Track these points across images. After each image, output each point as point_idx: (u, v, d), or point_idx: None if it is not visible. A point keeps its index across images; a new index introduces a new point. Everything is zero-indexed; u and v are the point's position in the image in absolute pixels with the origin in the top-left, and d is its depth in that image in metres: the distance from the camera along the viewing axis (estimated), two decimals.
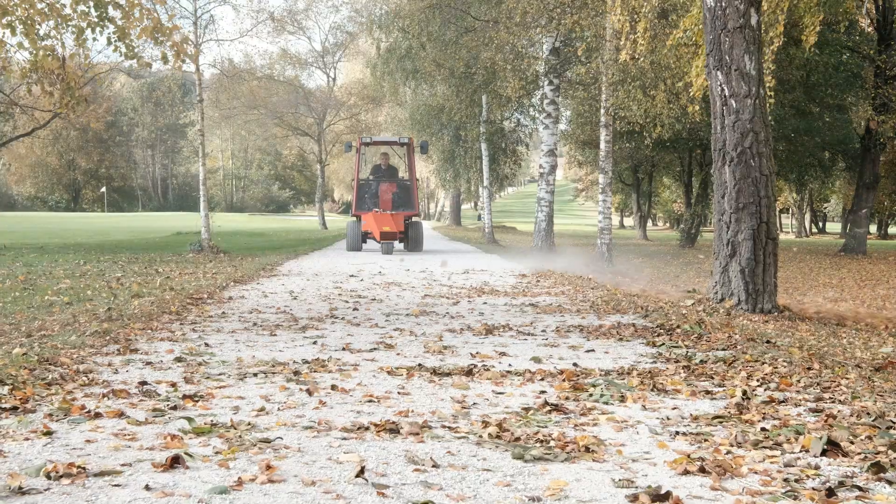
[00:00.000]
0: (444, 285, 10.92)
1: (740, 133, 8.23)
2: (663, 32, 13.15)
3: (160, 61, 9.42)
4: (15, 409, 3.81)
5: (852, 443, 3.36)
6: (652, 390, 4.49)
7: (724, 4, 8.25)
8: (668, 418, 3.88)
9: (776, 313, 8.18)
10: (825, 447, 3.26)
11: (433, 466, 3.06)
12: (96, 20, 9.17)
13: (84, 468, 2.92)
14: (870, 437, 3.43)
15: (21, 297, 8.70)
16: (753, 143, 8.21)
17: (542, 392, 4.43)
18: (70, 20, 9.28)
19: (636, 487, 2.85)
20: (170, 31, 9.31)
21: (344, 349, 5.80)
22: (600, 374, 4.93)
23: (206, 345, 5.89)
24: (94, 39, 10.69)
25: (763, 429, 3.62)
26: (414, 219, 19.24)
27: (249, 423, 3.63)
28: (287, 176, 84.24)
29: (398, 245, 19.29)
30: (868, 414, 3.85)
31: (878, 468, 3.02)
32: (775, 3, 10.22)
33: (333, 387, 4.47)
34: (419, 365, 5.17)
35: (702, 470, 3.01)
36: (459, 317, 7.74)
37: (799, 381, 4.72)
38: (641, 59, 13.57)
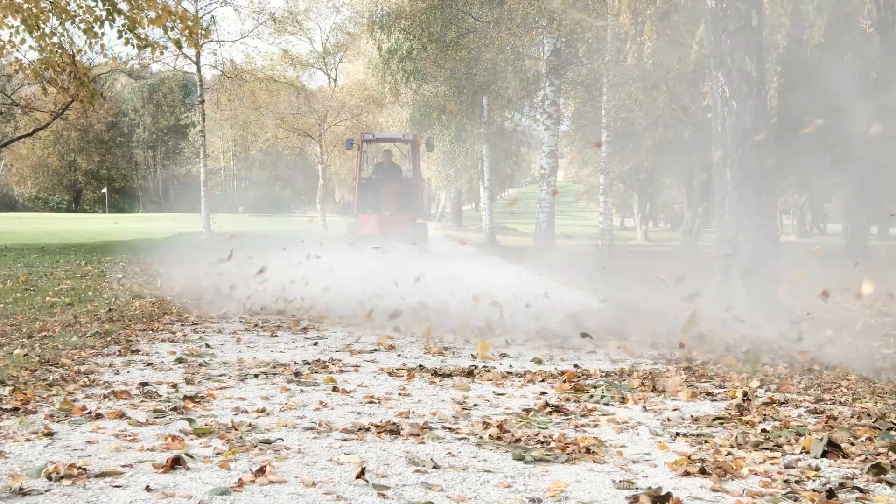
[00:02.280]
0: (445, 286, 10.89)
1: (741, 134, 8.22)
2: (665, 34, 13.16)
3: (173, 47, 9.50)
4: (16, 410, 3.81)
5: (853, 444, 3.36)
6: (652, 391, 4.49)
7: (724, 5, 8.25)
8: (669, 419, 3.88)
9: (778, 314, 8.17)
10: (826, 448, 3.26)
11: (434, 467, 3.06)
12: (105, 15, 9.20)
13: (85, 469, 2.92)
14: (870, 439, 3.43)
15: (22, 297, 8.71)
16: (754, 144, 8.21)
17: (543, 393, 4.43)
18: (75, 16, 9.32)
19: (637, 489, 2.86)
20: (180, 16, 9.34)
21: (345, 350, 5.80)
22: (601, 376, 4.93)
23: (207, 346, 5.90)
24: (103, 34, 10.67)
25: (763, 430, 3.62)
26: (418, 221, 18.84)
27: (250, 425, 3.63)
28: (288, 177, 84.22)
29: (401, 247, 19.09)
30: (869, 415, 3.85)
31: (878, 470, 3.02)
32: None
33: (335, 388, 4.48)
34: (420, 366, 5.17)
35: (702, 471, 3.01)
36: (460, 317, 7.73)
37: (799, 383, 4.72)
38: (649, 61, 13.57)
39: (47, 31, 9.50)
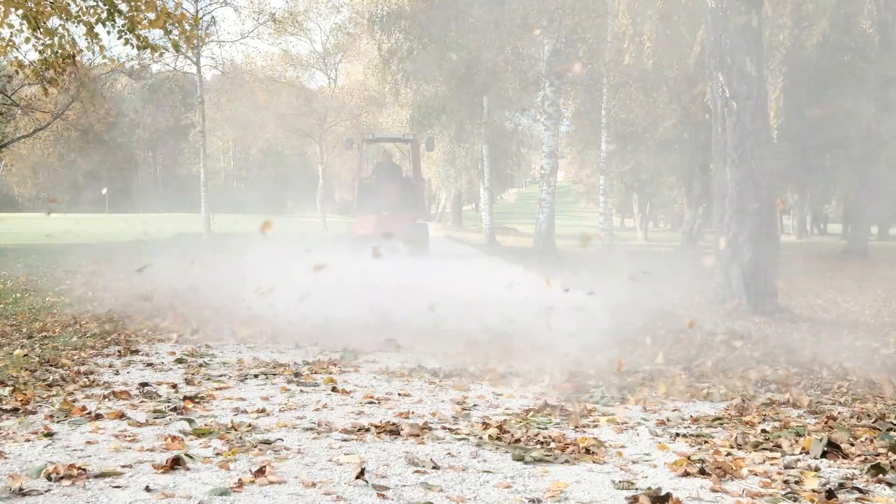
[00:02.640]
0: (444, 288, 10.89)
1: (741, 134, 8.22)
2: (665, 34, 13.17)
3: (171, 50, 9.49)
4: (16, 410, 3.81)
5: (852, 445, 3.36)
6: (653, 392, 4.49)
7: (724, 5, 8.25)
8: (669, 420, 3.88)
9: (777, 314, 8.18)
10: (825, 449, 3.27)
11: (433, 468, 3.06)
12: (106, 15, 9.20)
13: (84, 469, 2.92)
14: (870, 439, 3.43)
15: (22, 298, 8.71)
16: (754, 145, 8.21)
17: (543, 393, 4.43)
18: (77, 18, 9.31)
19: (636, 489, 2.86)
20: (178, 19, 9.34)
21: (345, 350, 5.79)
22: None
23: (207, 346, 5.89)
24: (108, 33, 10.61)
25: (763, 430, 3.62)
26: (419, 221, 18.69)
27: (250, 425, 3.64)
28: (288, 177, 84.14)
29: (402, 249, 18.98)
30: (868, 416, 3.86)
31: (877, 470, 3.02)
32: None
33: (334, 388, 4.48)
34: (419, 366, 5.17)
35: (702, 472, 3.01)
36: (460, 318, 7.72)
37: (799, 383, 4.72)
38: (649, 61, 13.58)
39: (49, 27, 9.49)
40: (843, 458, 3.22)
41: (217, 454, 3.19)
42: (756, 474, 3.03)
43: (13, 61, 10.28)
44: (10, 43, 9.80)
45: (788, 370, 5.13)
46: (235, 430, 3.54)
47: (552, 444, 3.36)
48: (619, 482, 2.92)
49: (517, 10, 16.95)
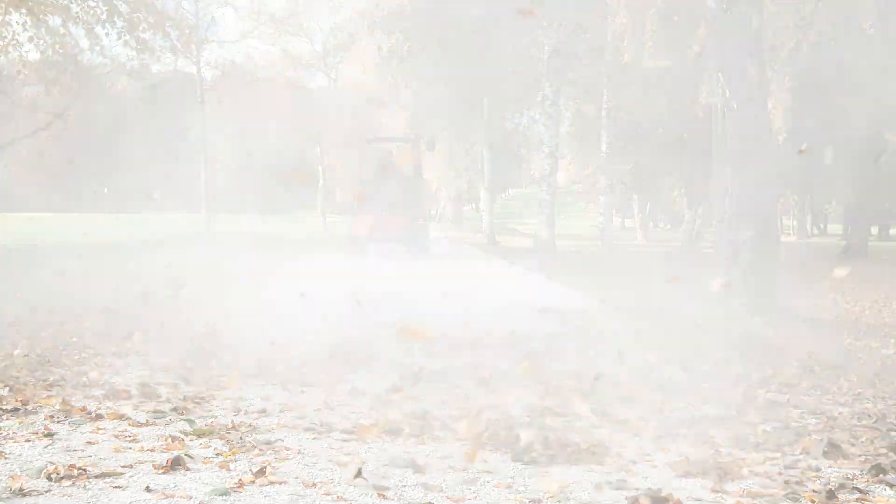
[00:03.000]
0: (444, 289, 10.88)
1: (742, 135, 8.22)
2: (665, 34, 13.18)
3: (170, 52, 9.55)
4: (16, 410, 3.81)
5: (853, 445, 3.36)
6: (653, 393, 4.48)
7: (725, 6, 8.25)
8: (669, 420, 3.87)
9: (777, 314, 8.17)
10: (826, 449, 3.26)
11: (433, 468, 3.06)
12: (105, 16, 9.23)
13: (85, 470, 2.92)
14: (870, 440, 3.43)
15: (23, 297, 8.70)
16: (755, 145, 8.21)
17: (544, 394, 4.42)
18: (76, 18, 9.34)
19: (636, 489, 2.85)
20: (178, 21, 9.39)
21: (345, 350, 5.78)
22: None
23: (207, 346, 5.88)
24: (107, 34, 10.65)
25: (764, 430, 3.62)
26: (419, 222, 18.55)
27: (250, 425, 3.63)
28: (289, 177, 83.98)
29: (402, 250, 18.86)
30: (869, 416, 3.85)
31: (878, 470, 3.02)
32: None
33: (334, 389, 4.48)
34: (421, 367, 5.16)
35: (702, 472, 3.01)
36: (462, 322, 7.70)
37: (800, 383, 4.72)
38: (650, 60, 13.59)
39: (51, 25, 9.51)
40: (844, 458, 3.22)
41: (217, 454, 3.19)
42: (756, 474, 3.03)
43: (15, 60, 10.31)
44: (13, 41, 9.82)
45: (789, 370, 5.13)
46: (236, 430, 3.54)
47: (552, 444, 3.36)
48: (620, 482, 2.92)
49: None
